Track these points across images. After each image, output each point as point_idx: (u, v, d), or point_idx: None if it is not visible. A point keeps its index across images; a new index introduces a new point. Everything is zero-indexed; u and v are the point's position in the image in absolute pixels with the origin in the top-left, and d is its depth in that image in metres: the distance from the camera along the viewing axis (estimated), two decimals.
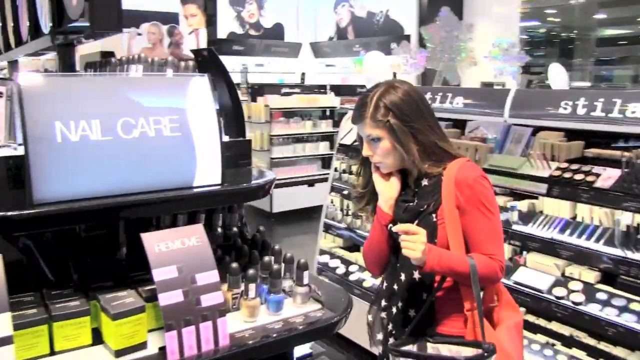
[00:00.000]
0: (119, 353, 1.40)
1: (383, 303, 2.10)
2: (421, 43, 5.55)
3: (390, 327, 2.03)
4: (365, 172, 2.10)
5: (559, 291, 3.17)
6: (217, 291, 1.45)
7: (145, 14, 7.15)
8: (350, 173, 4.68)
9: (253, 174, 1.78)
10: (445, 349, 1.86)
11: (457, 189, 1.87)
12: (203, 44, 7.58)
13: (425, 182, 1.95)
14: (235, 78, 12.25)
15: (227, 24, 13.23)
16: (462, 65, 4.58)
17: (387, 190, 2.01)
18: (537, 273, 3.41)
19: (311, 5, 13.80)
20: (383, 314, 2.08)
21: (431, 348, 1.87)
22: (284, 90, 9.31)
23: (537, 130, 3.75)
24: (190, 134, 1.51)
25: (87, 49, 7.89)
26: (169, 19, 7.36)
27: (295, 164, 8.99)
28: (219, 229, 1.84)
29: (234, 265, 1.61)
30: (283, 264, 1.74)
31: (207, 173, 1.54)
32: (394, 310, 2.00)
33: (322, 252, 4.96)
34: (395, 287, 2.00)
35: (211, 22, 12.43)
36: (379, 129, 1.90)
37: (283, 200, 8.55)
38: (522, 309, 3.43)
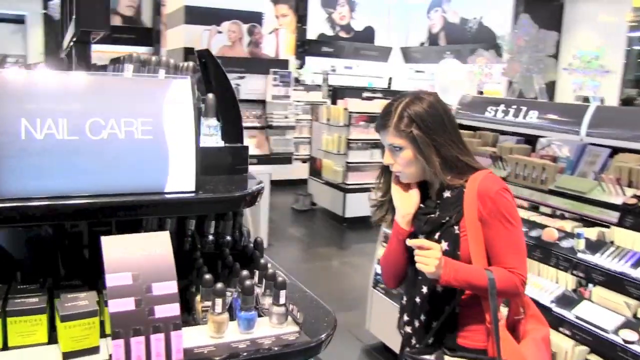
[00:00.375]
0: (67, 355, 1.38)
1: (405, 318, 2.08)
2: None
3: (413, 340, 2.03)
4: (385, 180, 2.08)
5: (628, 334, 2.86)
6: (174, 303, 1.39)
7: (228, 12, 7.25)
8: None
9: (248, 182, 1.71)
10: None
11: (479, 201, 1.86)
12: (282, 45, 7.62)
13: (447, 193, 1.95)
14: (319, 79, 12.33)
15: (317, 25, 13.32)
16: (539, 77, 4.28)
17: (405, 206, 1.98)
18: (603, 310, 3.12)
19: (403, 9, 13.62)
20: (408, 329, 2.06)
21: None
22: (365, 94, 9.19)
23: (616, 151, 3.44)
24: (163, 137, 1.46)
25: (172, 44, 8.15)
26: (253, 18, 7.42)
27: (371, 169, 8.84)
28: (210, 237, 1.79)
29: (207, 276, 1.55)
30: (264, 280, 1.65)
31: (181, 179, 1.49)
32: (417, 323, 1.99)
33: None
34: (418, 299, 1.99)
35: (302, 22, 12.57)
36: (402, 138, 1.90)
37: (356, 206, 8.44)
38: (584, 348, 3.16)
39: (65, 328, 1.36)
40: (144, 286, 1.37)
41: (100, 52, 11.66)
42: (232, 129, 1.75)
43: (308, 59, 12.84)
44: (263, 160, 7.22)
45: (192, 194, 1.49)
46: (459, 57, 8.74)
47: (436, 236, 1.92)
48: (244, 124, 6.44)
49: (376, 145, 8.96)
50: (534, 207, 3.98)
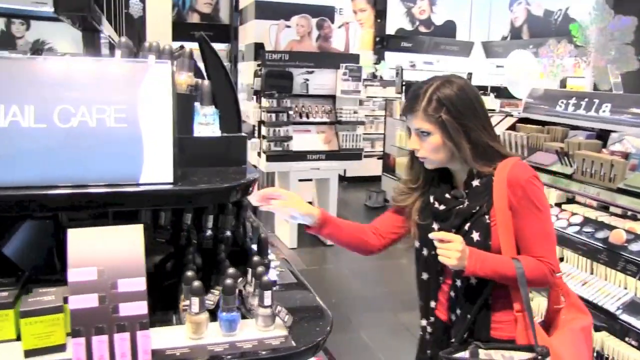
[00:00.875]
0: (28, 353, 1.31)
1: (423, 322, 2.07)
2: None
3: (428, 336, 2.04)
4: (416, 167, 2.02)
5: None
6: (141, 301, 1.31)
7: (299, 7, 7.21)
8: None
9: (244, 174, 1.60)
10: (498, 355, 1.84)
11: (509, 189, 1.82)
12: (353, 39, 7.49)
13: (476, 182, 1.89)
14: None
15: (396, 20, 13.07)
16: (614, 68, 3.91)
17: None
18: None
19: (486, 2, 13.09)
20: (427, 335, 2.05)
21: (484, 354, 1.84)
22: None
23: None
24: (138, 126, 1.38)
25: (245, 40, 8.21)
26: (324, 12, 7.35)
27: None
28: (209, 231, 1.69)
29: (189, 273, 1.46)
30: (254, 280, 1.54)
31: (157, 170, 1.40)
32: (453, 317, 1.96)
33: None
34: (453, 293, 1.95)
35: (380, 17, 12.36)
36: (430, 123, 1.84)
37: None
38: None
39: (25, 324, 1.30)
40: (109, 282, 1.30)
41: None
42: (230, 117, 1.65)
43: (387, 54, 12.61)
44: (331, 156, 7.14)
45: (169, 186, 1.40)
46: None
47: (466, 227, 1.87)
48: (312, 119, 6.36)
49: None
50: (604, 207, 3.67)
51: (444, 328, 2.00)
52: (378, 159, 10.22)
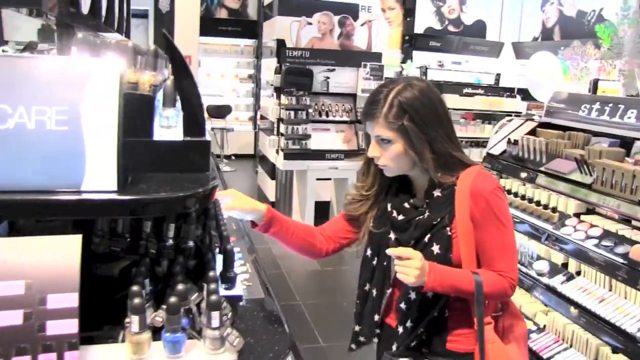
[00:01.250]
0: None
1: (357, 328, 2.02)
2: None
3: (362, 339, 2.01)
4: (372, 173, 1.91)
5: None
6: (72, 319, 1.21)
7: (322, 4, 7.09)
8: None
9: (208, 181, 1.49)
10: None
11: (471, 200, 1.75)
12: (375, 37, 7.34)
13: (437, 192, 1.81)
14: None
15: (425, 19, 12.84)
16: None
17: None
18: None
19: (517, 2, 12.76)
20: (362, 338, 2.02)
21: None
22: (465, 90, 8.69)
23: None
24: (80, 129, 1.27)
25: (268, 36, 8.13)
26: (348, 10, 7.22)
27: None
28: (170, 241, 1.58)
29: (134, 288, 1.35)
30: (206, 297, 1.43)
31: (99, 176, 1.29)
32: (400, 329, 1.86)
33: None
34: (403, 305, 1.85)
35: (409, 15, 12.16)
36: (391, 131, 1.75)
37: None
38: None
39: None
40: (38, 297, 1.20)
41: (206, 45, 11.99)
42: (193, 121, 1.54)
43: (415, 53, 12.40)
44: (351, 156, 7.01)
45: (112, 194, 1.29)
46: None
47: (426, 239, 1.79)
48: (332, 118, 6.24)
49: (475, 143, 8.44)
50: (626, 220, 3.45)
51: (396, 337, 1.90)
52: None
